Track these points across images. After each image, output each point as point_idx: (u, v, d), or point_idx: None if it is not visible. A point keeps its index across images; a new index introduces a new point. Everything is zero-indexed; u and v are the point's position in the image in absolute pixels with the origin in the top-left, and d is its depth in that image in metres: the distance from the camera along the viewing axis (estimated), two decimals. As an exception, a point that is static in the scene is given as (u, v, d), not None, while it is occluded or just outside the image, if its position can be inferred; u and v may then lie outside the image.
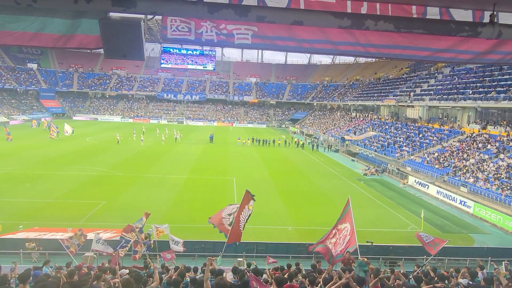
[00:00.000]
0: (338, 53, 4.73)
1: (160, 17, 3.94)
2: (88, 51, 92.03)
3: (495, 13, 3.91)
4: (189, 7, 3.55)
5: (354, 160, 44.01)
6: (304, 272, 9.22)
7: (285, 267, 10.01)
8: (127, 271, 8.84)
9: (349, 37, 4.18)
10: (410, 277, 8.25)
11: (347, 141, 52.24)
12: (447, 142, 37.15)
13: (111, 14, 3.79)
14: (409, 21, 3.85)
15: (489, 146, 31.82)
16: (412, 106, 51.30)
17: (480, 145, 32.83)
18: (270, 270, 9.70)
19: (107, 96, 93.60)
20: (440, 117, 45.70)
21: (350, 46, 4.27)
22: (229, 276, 8.33)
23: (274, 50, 4.48)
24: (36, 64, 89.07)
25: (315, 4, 4.05)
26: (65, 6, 3.43)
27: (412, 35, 4.16)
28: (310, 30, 4.09)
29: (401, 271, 10.33)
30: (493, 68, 40.68)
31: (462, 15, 4.33)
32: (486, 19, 4.16)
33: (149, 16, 3.91)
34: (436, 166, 32.43)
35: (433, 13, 4.30)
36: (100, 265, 10.40)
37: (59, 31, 3.95)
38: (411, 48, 4.40)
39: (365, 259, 7.90)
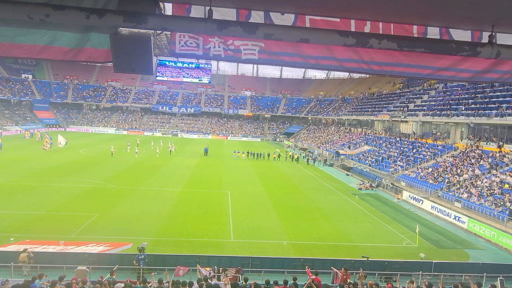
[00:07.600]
0: (343, 70, 4.82)
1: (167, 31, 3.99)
2: (85, 63, 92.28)
3: (493, 33, 4.04)
4: (199, 23, 3.63)
5: (348, 175, 44.12)
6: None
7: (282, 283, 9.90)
8: (123, 285, 8.81)
9: (354, 55, 4.28)
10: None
11: (341, 155, 52.49)
12: (441, 157, 37.50)
13: (121, 29, 3.84)
14: (411, 40, 3.97)
15: (482, 162, 32.17)
16: (406, 121, 51.89)
17: (473, 160, 33.19)
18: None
19: (102, 108, 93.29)
20: (433, 132, 46.22)
21: (355, 63, 4.37)
22: None
23: (281, 65, 4.59)
24: (31, 75, 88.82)
25: (320, 22, 4.16)
26: (77, 21, 3.46)
27: (414, 53, 4.28)
28: (316, 46, 4.18)
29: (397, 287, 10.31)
30: (484, 85, 41.42)
31: (462, 35, 4.48)
32: (485, 40, 4.30)
33: (158, 31, 3.95)
34: (430, 181, 32.63)
35: (433, 33, 4.44)
36: (99, 278, 10.29)
37: (69, 45, 3.96)
38: (413, 66, 4.51)
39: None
